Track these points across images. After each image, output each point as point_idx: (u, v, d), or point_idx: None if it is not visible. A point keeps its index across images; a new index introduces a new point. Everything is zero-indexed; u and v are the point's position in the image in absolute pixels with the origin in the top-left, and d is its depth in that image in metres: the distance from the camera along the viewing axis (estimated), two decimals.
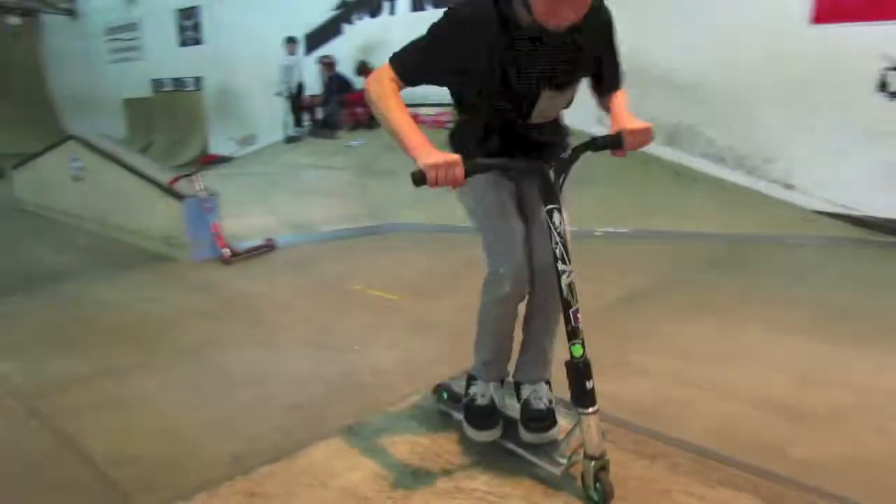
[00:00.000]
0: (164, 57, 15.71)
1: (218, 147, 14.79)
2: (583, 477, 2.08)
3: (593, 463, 2.04)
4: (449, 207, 7.82)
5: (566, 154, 2.16)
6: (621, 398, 2.94)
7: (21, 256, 6.34)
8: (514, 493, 2.21)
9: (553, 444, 2.26)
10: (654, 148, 8.43)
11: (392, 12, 10.63)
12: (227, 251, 5.83)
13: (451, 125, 2.43)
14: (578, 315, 2.05)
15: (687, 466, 2.35)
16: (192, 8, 14.52)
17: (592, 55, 2.11)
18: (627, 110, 2.17)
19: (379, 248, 6.78)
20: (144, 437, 2.80)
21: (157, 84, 16.14)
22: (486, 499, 2.19)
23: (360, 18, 11.16)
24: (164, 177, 6.28)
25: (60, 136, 18.08)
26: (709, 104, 7.55)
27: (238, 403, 3.14)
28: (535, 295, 2.33)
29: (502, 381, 2.49)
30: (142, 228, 6.51)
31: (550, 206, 2.05)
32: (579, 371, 2.02)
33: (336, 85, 10.86)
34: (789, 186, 7.01)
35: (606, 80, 2.23)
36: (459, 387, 2.58)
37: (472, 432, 2.37)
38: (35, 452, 2.71)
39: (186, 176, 6.09)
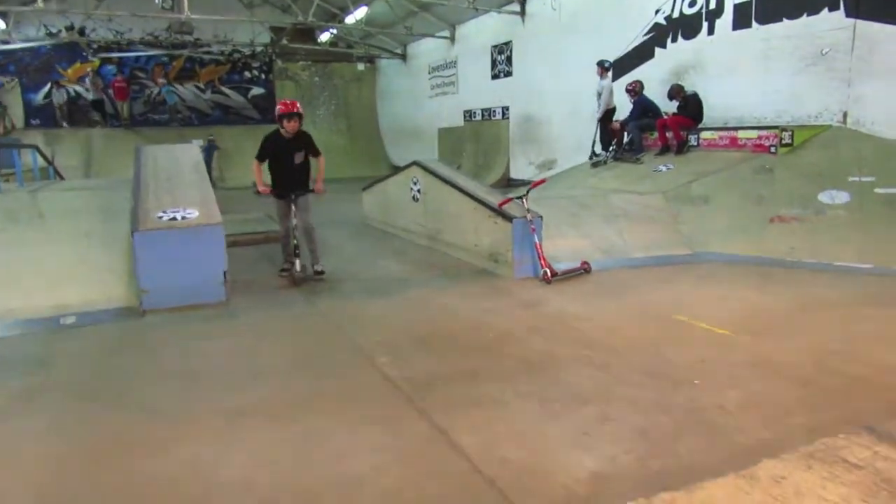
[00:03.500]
0: (476, 90, 17.32)
1: (518, 171, 15.76)
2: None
3: (296, 271, 6.43)
4: (776, 240, 7.24)
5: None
6: None
7: (376, 266, 7.48)
8: None
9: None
10: None
11: (710, 32, 10.13)
12: (547, 271, 6.13)
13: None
14: (296, 233, 6.49)
15: None
16: (507, 43, 15.74)
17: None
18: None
19: (697, 277, 6.48)
20: (506, 440, 3.05)
21: (469, 114, 17.82)
22: None
23: (673, 41, 10.88)
24: (494, 199, 6.87)
25: (386, 162, 21.36)
26: None
27: (586, 420, 3.25)
28: (297, 230, 6.49)
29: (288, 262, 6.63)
30: (470, 245, 7.20)
31: (293, 204, 6.45)
32: (296, 247, 6.44)
33: (640, 110, 10.73)
34: None
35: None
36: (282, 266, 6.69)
37: (282, 275, 6.62)
38: (415, 440, 3.12)
39: (517, 198, 6.57)
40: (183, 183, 6.46)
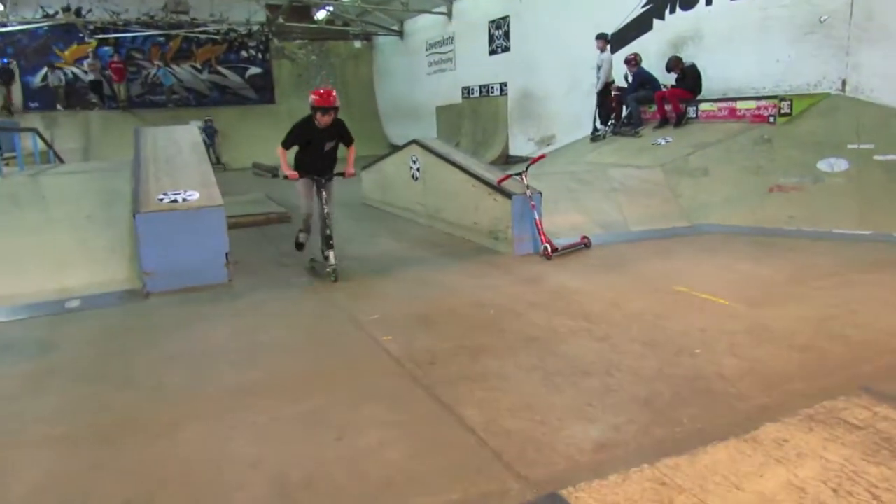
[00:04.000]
0: (474, 66, 17.17)
1: (517, 148, 15.69)
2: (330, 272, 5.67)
3: (330, 267, 5.69)
4: (775, 209, 7.25)
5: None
6: None
7: (376, 245, 7.50)
8: None
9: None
10: None
11: (709, 3, 10.02)
12: (548, 247, 6.16)
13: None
14: (331, 222, 5.87)
15: None
16: (504, 17, 15.57)
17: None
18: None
19: (696, 249, 6.51)
20: (510, 413, 3.10)
21: (467, 91, 17.69)
22: None
23: (671, 12, 10.76)
24: (493, 176, 6.87)
25: (384, 141, 21.27)
26: None
27: (589, 391, 3.29)
28: (320, 215, 5.97)
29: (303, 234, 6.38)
30: (470, 223, 7.21)
31: (323, 189, 5.95)
32: (328, 237, 5.78)
33: (638, 82, 10.66)
34: None
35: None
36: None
37: (298, 248, 6.48)
38: (420, 415, 3.17)
39: (515, 175, 6.57)
40: (183, 164, 6.46)
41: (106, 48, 19.82)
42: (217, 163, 17.52)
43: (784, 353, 3.66)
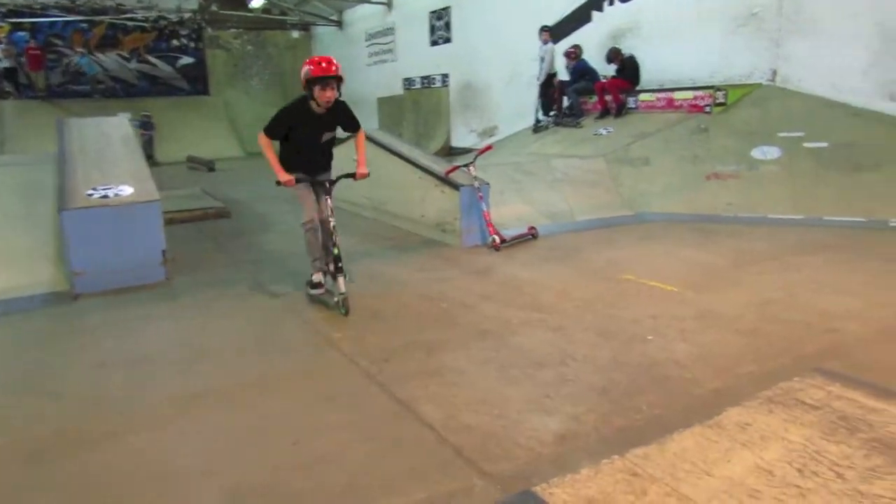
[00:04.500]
0: (415, 57, 17.00)
1: (459, 139, 15.66)
2: (339, 302, 4.48)
3: (341, 296, 4.43)
4: (713, 196, 7.47)
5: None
6: None
7: None
8: None
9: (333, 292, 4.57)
10: None
11: None
12: (496, 238, 6.13)
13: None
14: (338, 238, 4.58)
15: None
16: (445, 8, 15.46)
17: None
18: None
19: (639, 237, 6.63)
20: (468, 408, 3.04)
21: (408, 82, 17.51)
22: None
23: (610, 4, 10.92)
24: (439, 167, 6.79)
25: None
26: None
27: (546, 382, 3.27)
28: (323, 231, 4.70)
29: (324, 272, 4.82)
30: (416, 216, 7.12)
31: (327, 196, 4.63)
32: (337, 259, 4.50)
33: (579, 74, 10.79)
34: None
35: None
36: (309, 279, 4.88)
37: (311, 292, 4.82)
38: (377, 415, 3.06)
39: (463, 166, 6.51)
40: (114, 158, 6.10)
41: (21, 33, 18.52)
42: (150, 158, 16.68)
43: (732, 337, 3.75)
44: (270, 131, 4.54)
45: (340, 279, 4.45)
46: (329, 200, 4.60)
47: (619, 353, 3.61)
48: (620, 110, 10.16)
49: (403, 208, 7.42)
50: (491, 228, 6.21)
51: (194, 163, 15.88)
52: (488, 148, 7.30)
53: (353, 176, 4.72)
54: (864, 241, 5.87)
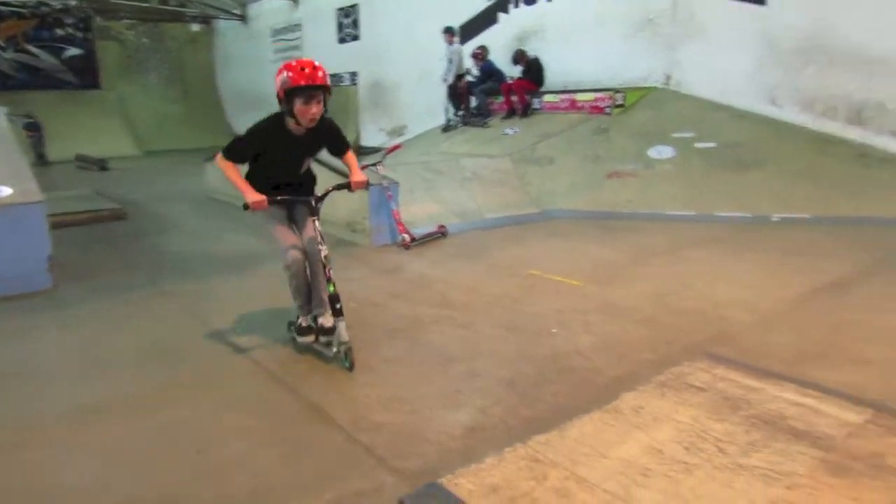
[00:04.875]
0: (323, 54, 16.68)
1: (369, 138, 15.55)
2: (343, 354, 3.48)
3: (343, 346, 3.46)
4: (614, 194, 7.82)
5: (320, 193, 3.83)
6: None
7: (225, 241, 7.04)
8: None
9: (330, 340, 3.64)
10: (834, 127, 8.01)
11: None
12: (406, 237, 6.14)
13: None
14: (330, 271, 3.56)
15: None
16: (352, 6, 15.29)
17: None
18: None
19: (545, 234, 6.84)
20: (380, 406, 3.03)
21: None
22: (770, 476, 2.26)
23: (515, 6, 11.19)
24: None
25: (227, 131, 20.06)
26: None
27: (457, 377, 3.32)
28: (310, 262, 3.71)
29: (310, 314, 3.80)
30: (325, 215, 6.98)
31: (314, 217, 3.71)
32: (334, 299, 3.50)
33: (486, 74, 11.01)
34: None
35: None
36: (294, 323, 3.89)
37: (300, 339, 3.76)
38: (285, 418, 3.00)
39: (371, 165, 6.47)
40: None
41: None
42: (41, 158, 15.44)
43: (631, 327, 3.95)
44: (232, 154, 3.51)
45: (341, 325, 3.46)
46: (317, 223, 3.63)
47: (526, 346, 3.71)
48: (526, 111, 10.43)
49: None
50: (401, 227, 6.21)
51: (84, 162, 14.87)
52: (397, 147, 7.30)
53: (347, 186, 3.74)
54: (750, 234, 6.33)
